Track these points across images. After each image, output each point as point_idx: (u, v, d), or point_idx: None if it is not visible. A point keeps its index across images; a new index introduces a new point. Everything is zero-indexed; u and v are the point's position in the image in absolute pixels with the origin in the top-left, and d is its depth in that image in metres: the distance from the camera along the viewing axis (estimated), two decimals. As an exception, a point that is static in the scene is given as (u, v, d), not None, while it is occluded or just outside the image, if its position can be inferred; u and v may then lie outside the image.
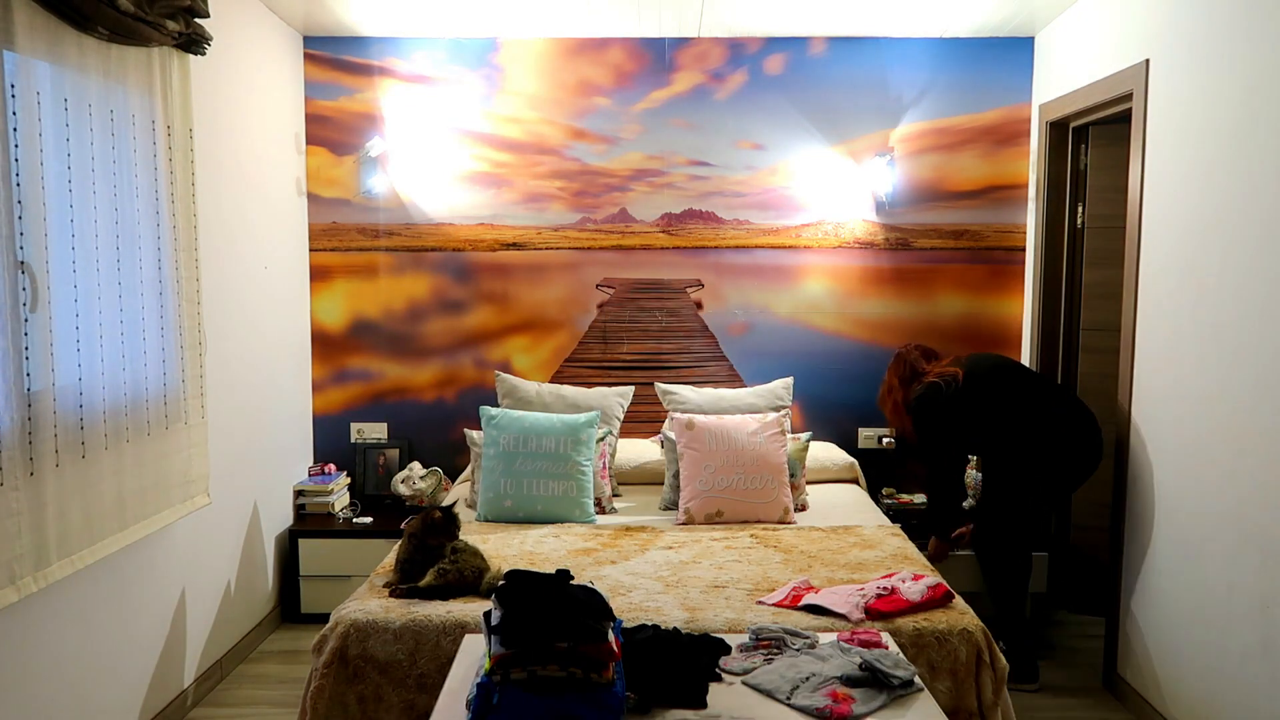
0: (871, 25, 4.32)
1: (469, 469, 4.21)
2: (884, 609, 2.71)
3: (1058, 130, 4.22)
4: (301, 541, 4.22)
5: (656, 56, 4.52)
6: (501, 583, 2.07)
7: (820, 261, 4.60)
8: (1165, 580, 3.21)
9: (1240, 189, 2.84)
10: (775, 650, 2.36)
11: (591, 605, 2.03)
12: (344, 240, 4.60)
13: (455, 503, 3.75)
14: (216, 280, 3.54)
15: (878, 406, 3.96)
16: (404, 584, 2.91)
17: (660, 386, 4.31)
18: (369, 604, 2.80)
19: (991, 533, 3.63)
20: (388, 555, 3.18)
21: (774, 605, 2.81)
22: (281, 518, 4.29)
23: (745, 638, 2.44)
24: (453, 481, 4.50)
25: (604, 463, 4.00)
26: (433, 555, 2.95)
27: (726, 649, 2.36)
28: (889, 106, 4.52)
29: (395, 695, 2.65)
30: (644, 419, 4.57)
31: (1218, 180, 2.95)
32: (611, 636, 2.02)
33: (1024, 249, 4.56)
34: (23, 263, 2.36)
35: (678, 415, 3.99)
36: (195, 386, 3.22)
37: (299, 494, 4.40)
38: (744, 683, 2.19)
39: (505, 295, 4.64)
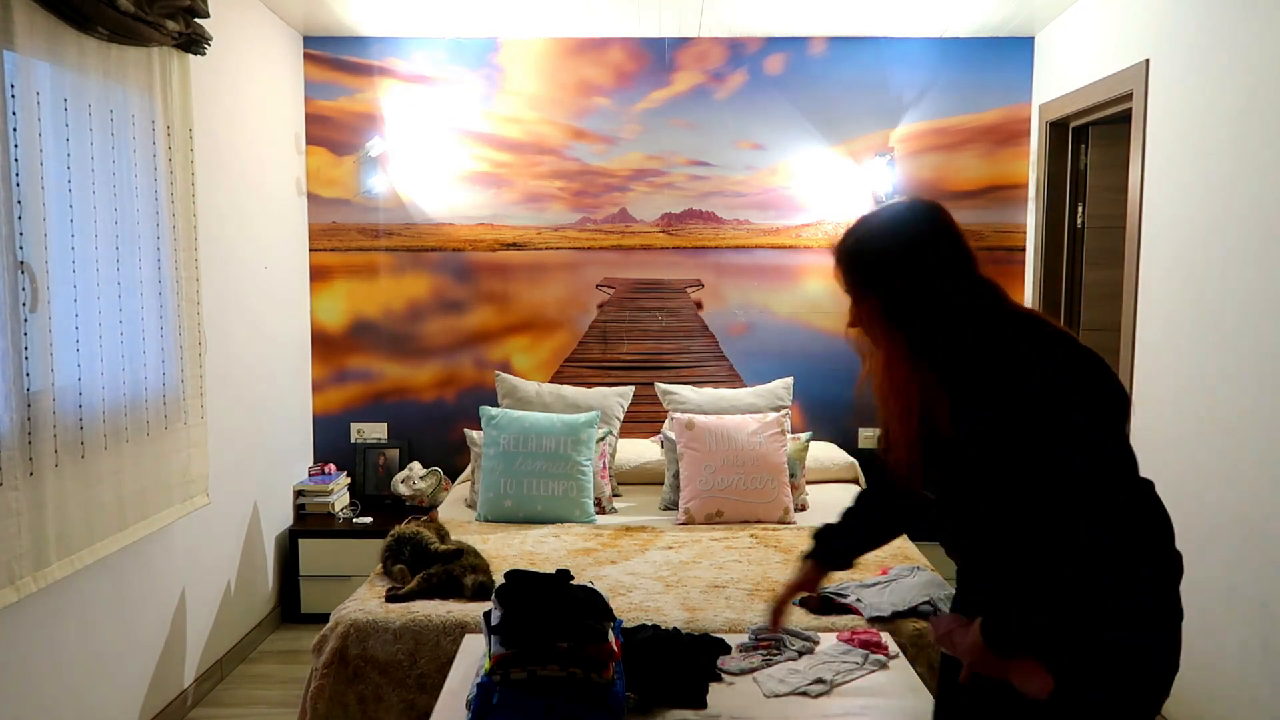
0: (871, 25, 4.32)
1: (469, 469, 4.21)
2: (884, 609, 2.71)
3: (1058, 130, 4.21)
4: (301, 541, 4.21)
5: (656, 56, 4.52)
6: (502, 582, 2.07)
7: (820, 261, 4.60)
8: (1165, 580, 3.20)
9: (1240, 189, 2.83)
10: (775, 650, 2.36)
11: (592, 605, 2.03)
12: (344, 240, 4.60)
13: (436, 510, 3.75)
14: (216, 280, 3.54)
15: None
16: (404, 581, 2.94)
17: (660, 386, 4.31)
18: (369, 604, 2.80)
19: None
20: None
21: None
22: (281, 518, 4.29)
23: (745, 638, 2.44)
24: (453, 481, 4.50)
25: (604, 463, 4.00)
26: (424, 555, 2.98)
27: (726, 649, 2.35)
28: (889, 106, 4.52)
29: (395, 695, 2.65)
30: (644, 419, 4.56)
31: (1218, 180, 2.95)
32: (611, 636, 2.02)
33: (1024, 249, 4.55)
34: (22, 263, 2.36)
35: (678, 415, 3.99)
36: (195, 386, 3.22)
37: (299, 494, 4.39)
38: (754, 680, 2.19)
39: (505, 295, 4.64)
